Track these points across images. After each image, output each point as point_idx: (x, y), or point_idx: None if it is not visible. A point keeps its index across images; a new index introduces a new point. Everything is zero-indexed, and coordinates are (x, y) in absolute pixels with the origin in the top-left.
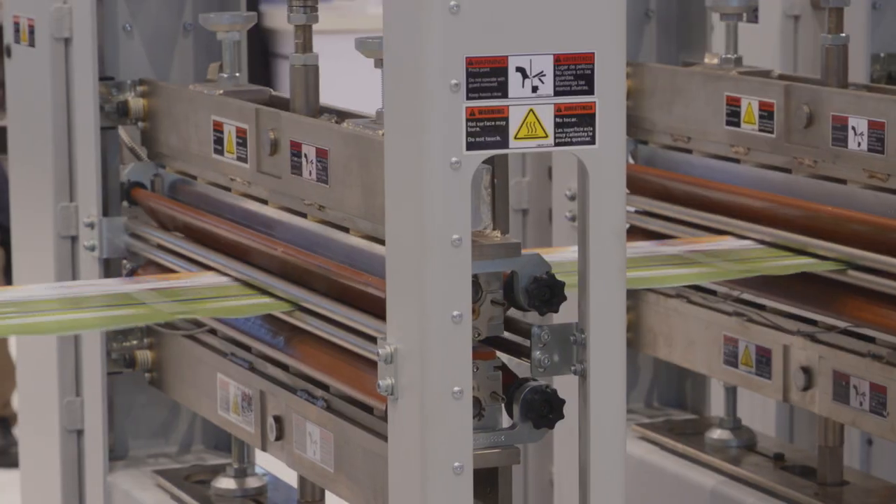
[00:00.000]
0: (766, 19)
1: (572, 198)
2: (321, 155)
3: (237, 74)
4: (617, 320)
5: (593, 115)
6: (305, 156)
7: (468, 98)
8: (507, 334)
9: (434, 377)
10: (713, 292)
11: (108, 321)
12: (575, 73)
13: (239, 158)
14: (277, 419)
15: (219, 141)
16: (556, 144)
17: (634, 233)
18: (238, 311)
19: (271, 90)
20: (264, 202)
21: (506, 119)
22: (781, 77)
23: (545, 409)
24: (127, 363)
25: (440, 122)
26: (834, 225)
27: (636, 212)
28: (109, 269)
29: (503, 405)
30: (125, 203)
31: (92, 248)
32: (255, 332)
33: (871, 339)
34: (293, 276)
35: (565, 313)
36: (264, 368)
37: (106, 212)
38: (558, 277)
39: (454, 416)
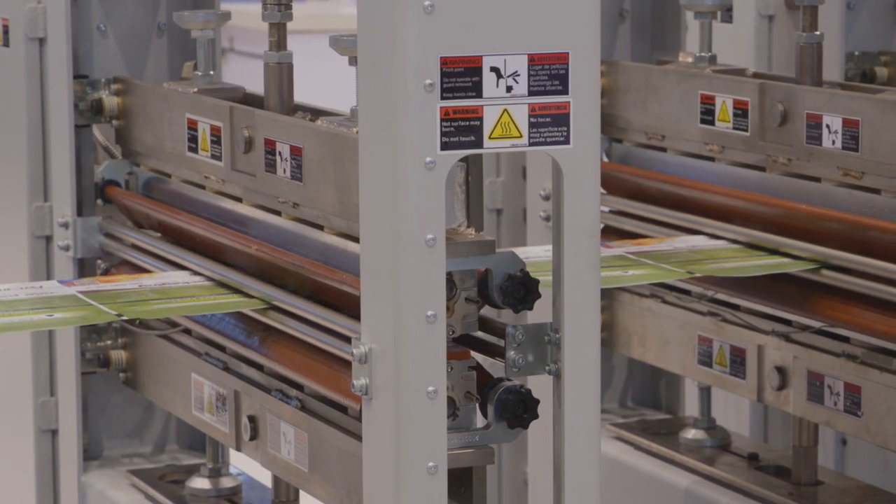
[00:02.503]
0: (740, 19)
1: (547, 198)
2: (295, 153)
3: (211, 72)
4: (591, 320)
5: (567, 115)
6: (280, 153)
7: (442, 98)
8: (481, 334)
9: (408, 377)
10: (687, 292)
11: (77, 320)
12: (549, 72)
13: (213, 156)
14: (252, 419)
15: (193, 139)
16: (531, 144)
17: (609, 232)
18: (210, 308)
19: (245, 88)
20: (238, 200)
21: (480, 119)
22: (756, 75)
23: (519, 409)
24: (101, 363)
25: (414, 123)
26: (809, 223)
27: (610, 211)
28: (84, 268)
29: (477, 405)
30: (99, 201)
31: (66, 248)
32: (230, 331)
33: (845, 339)
34: (268, 273)
35: (540, 313)
36: (238, 368)
37: (80, 212)
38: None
39: (428, 416)
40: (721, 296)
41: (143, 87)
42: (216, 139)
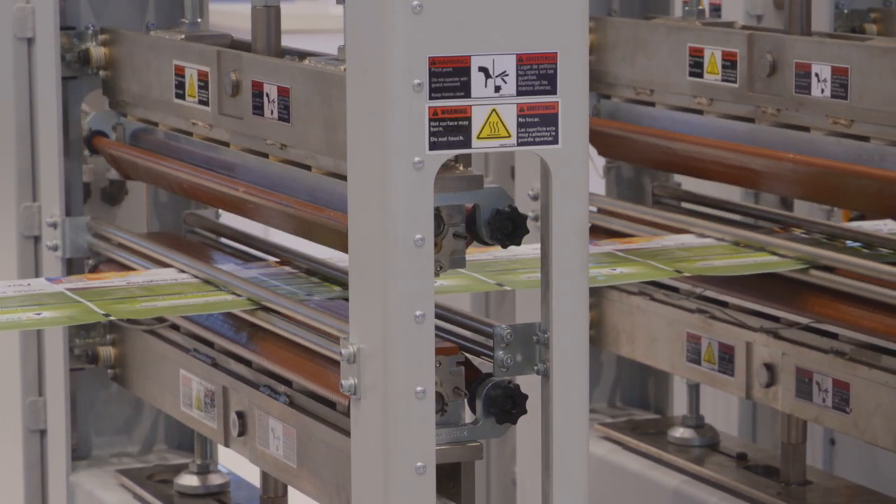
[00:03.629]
0: (728, 19)
1: (535, 197)
2: (282, 93)
3: (198, 20)
4: (580, 320)
5: (556, 115)
6: (267, 95)
7: (431, 98)
8: (470, 334)
9: (397, 377)
10: (676, 289)
11: (65, 320)
12: (538, 72)
13: (200, 102)
14: (240, 415)
15: (180, 85)
16: (519, 144)
17: (597, 232)
18: (198, 309)
19: (232, 35)
20: (226, 145)
21: (468, 119)
22: (745, 27)
23: (508, 405)
24: (89, 359)
25: (403, 122)
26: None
27: (598, 211)
28: (72, 269)
29: (465, 400)
30: (86, 152)
31: (55, 248)
32: (218, 328)
33: (833, 336)
34: (256, 215)
35: (529, 313)
36: (227, 364)
37: (69, 212)
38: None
39: (417, 417)
40: (709, 293)
41: (131, 36)
42: (203, 84)
